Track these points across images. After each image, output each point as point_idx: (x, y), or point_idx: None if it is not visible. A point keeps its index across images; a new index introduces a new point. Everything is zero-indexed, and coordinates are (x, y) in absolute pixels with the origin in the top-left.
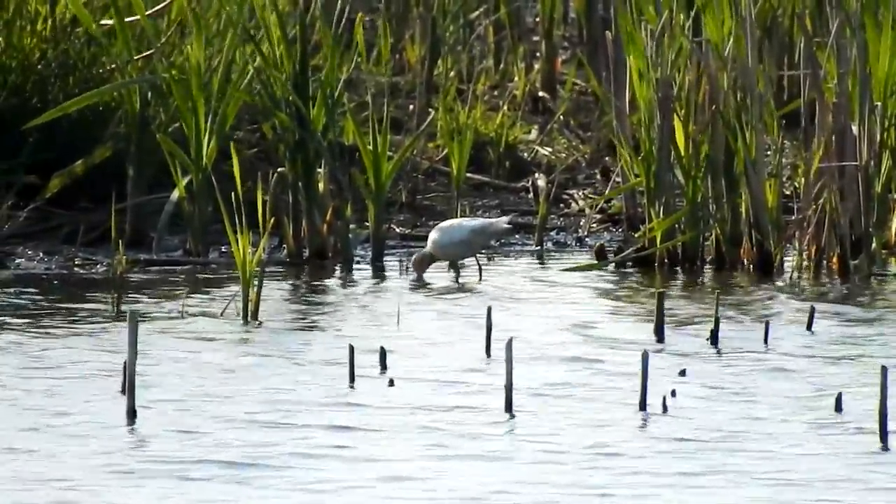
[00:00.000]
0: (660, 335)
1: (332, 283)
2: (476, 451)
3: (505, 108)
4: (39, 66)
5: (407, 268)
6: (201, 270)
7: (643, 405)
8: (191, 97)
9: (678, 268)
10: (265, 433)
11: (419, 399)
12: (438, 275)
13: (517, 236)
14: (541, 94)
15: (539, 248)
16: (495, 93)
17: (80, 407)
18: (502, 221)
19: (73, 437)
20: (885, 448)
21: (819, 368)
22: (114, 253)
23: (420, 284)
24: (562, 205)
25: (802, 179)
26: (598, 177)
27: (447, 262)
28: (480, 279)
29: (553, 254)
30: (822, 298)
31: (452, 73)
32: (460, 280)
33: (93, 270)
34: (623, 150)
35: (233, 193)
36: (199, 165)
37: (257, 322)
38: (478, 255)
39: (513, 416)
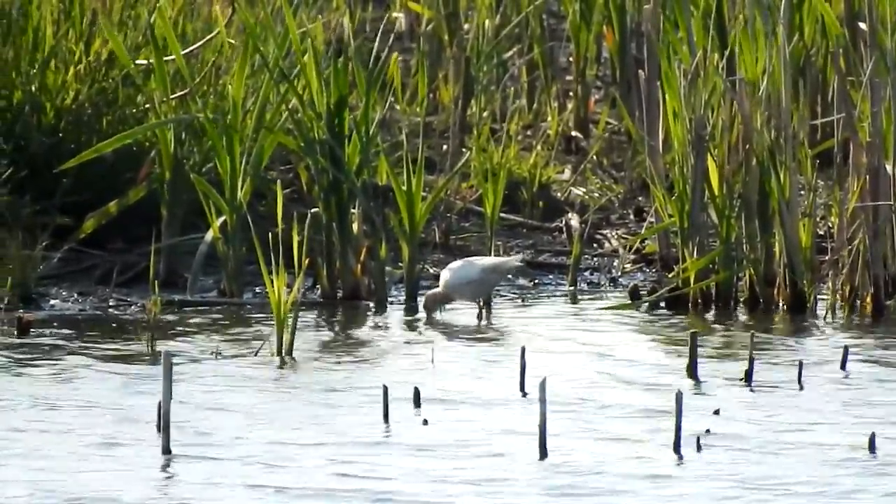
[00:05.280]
0: (694, 375)
1: (365, 323)
2: (511, 489)
3: (538, 147)
4: (73, 107)
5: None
6: (236, 311)
7: (677, 445)
8: (227, 136)
9: (712, 308)
10: (300, 473)
11: (453, 439)
12: (471, 315)
13: (550, 276)
14: (574, 133)
15: (572, 288)
16: (528, 132)
17: (115, 446)
18: (514, 260)
19: (110, 474)
20: None
21: (852, 409)
22: (150, 294)
23: (436, 323)
24: (595, 245)
25: (836, 219)
26: (632, 217)
27: (476, 301)
28: (487, 318)
29: (586, 294)
30: (855, 338)
31: (486, 113)
32: (492, 319)
33: (127, 311)
34: (656, 190)
35: (270, 234)
36: (234, 206)
37: (291, 362)
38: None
39: (546, 456)
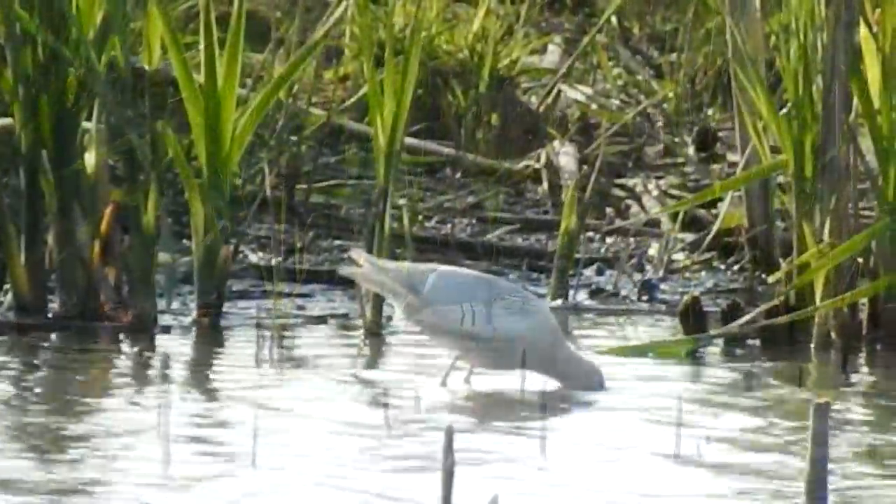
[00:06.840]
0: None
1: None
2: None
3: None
4: None
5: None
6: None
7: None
8: None
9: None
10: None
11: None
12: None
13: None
14: None
15: (561, 301)
16: None
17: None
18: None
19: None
20: None
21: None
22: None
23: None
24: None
25: None
26: (690, 144)
27: None
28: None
29: (583, 313)
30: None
31: None
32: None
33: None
34: (746, 85)
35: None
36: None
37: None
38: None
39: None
